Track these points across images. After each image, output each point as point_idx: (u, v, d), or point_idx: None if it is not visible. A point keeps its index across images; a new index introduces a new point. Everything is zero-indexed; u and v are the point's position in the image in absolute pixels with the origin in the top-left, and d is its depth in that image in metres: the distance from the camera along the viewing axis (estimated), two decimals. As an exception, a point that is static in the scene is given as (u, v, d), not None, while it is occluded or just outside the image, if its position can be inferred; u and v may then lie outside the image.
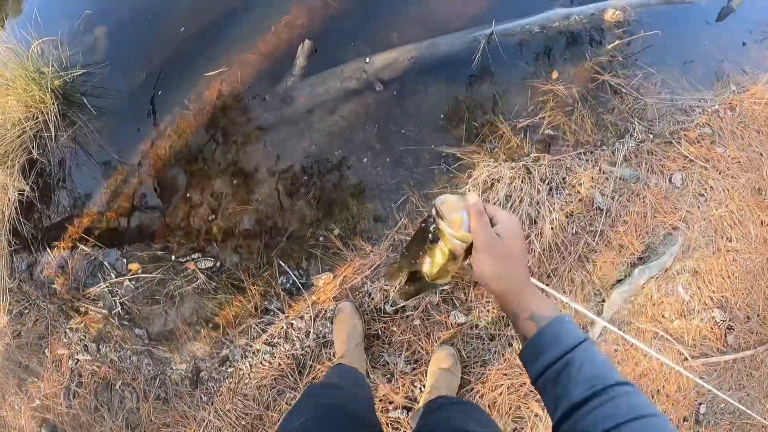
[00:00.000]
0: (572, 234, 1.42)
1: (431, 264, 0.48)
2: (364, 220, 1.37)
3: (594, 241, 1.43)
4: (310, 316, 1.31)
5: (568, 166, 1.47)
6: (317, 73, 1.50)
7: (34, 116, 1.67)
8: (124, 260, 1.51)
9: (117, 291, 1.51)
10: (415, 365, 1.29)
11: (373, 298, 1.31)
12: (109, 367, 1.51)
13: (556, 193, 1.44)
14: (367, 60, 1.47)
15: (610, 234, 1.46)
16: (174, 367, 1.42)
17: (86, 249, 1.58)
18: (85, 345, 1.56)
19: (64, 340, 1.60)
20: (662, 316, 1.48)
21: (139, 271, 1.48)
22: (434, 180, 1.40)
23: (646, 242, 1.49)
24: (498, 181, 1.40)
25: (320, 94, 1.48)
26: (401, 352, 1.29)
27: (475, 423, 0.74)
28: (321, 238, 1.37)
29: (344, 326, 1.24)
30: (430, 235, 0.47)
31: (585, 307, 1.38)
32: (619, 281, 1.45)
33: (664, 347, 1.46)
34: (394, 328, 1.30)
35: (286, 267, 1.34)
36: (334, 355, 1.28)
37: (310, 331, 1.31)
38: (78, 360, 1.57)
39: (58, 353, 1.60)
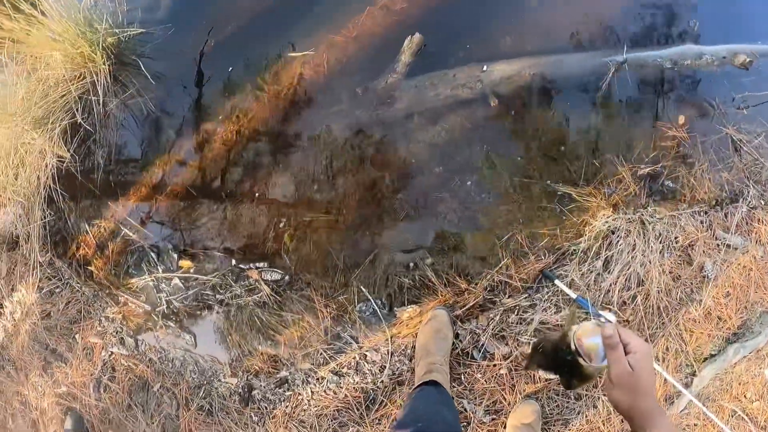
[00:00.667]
0: (677, 300, 1.25)
1: (564, 379, 0.52)
2: (462, 253, 1.17)
3: (696, 310, 1.26)
4: (388, 351, 1.14)
5: (683, 225, 1.28)
6: (424, 73, 1.24)
7: (81, 76, 1.40)
8: (174, 255, 1.30)
9: (163, 288, 1.30)
10: (494, 416, 1.14)
11: (461, 341, 1.13)
12: (148, 367, 1.34)
13: (667, 254, 1.26)
14: (485, 68, 1.22)
15: (711, 305, 1.29)
16: (223, 380, 1.25)
17: (130, 234, 1.36)
18: (122, 338, 1.37)
19: (98, 329, 1.41)
20: (744, 396, 1.35)
21: (191, 270, 1.27)
22: (543, 221, 1.19)
23: (744, 318, 1.33)
24: (613, 233, 1.20)
25: (425, 100, 1.23)
26: (482, 401, 1.14)
27: None
28: (411, 266, 1.17)
29: (438, 334, 1.10)
30: (566, 356, 0.50)
31: (675, 378, 1.23)
32: (712, 356, 1.30)
33: (737, 426, 1.34)
34: (478, 375, 1.14)
35: (367, 293, 1.14)
36: (412, 369, 1.11)
37: (385, 366, 1.14)
38: (112, 353, 1.39)
39: (90, 342, 1.42)
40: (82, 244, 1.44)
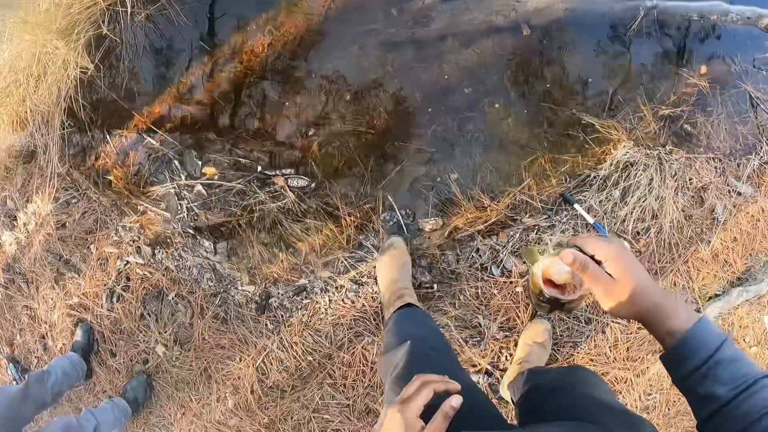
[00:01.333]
0: (687, 238, 1.25)
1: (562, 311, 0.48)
2: (487, 170, 1.15)
3: (704, 250, 1.26)
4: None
5: (698, 168, 1.28)
6: None
7: None
8: (199, 162, 1.26)
9: (185, 195, 1.26)
10: (507, 333, 1.13)
11: (480, 256, 1.11)
12: (163, 275, 1.29)
13: (681, 193, 1.25)
14: None
15: (719, 247, 1.29)
16: (240, 288, 1.22)
17: (154, 142, 1.31)
18: (138, 247, 1.32)
19: (114, 238, 1.35)
20: (743, 340, 1.36)
21: (216, 177, 1.23)
22: (567, 147, 1.18)
23: (748, 264, 1.34)
24: (632, 166, 1.19)
25: (460, 23, 1.20)
26: (497, 317, 1.12)
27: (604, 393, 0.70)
28: (436, 179, 1.14)
29: (399, 261, 1.07)
30: (546, 298, 0.46)
31: None
32: (716, 296, 1.31)
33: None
34: (495, 291, 1.12)
35: (392, 201, 1.11)
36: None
37: (404, 277, 1.11)
38: (128, 262, 1.34)
39: (106, 251, 1.36)
40: (102, 154, 1.38)
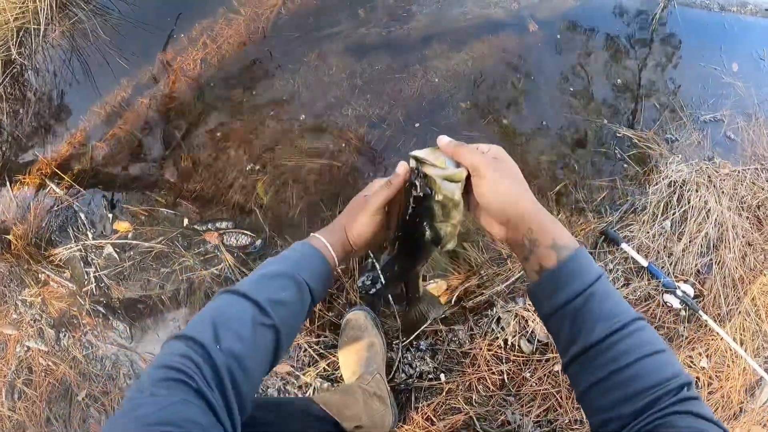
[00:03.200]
0: (749, 269, 0.79)
1: (434, 226, 0.35)
2: None
3: (773, 282, 0.80)
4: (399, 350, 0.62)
5: (749, 182, 0.83)
6: None
7: (23, 2, 0.84)
8: (110, 215, 0.75)
9: (93, 260, 0.76)
10: (546, 428, 0.63)
11: (502, 328, 0.63)
12: (71, 368, 0.80)
13: (736, 215, 0.80)
14: None
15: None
16: None
17: (57, 190, 0.82)
18: (41, 329, 0.81)
19: (14, 316, 0.86)
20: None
21: (129, 235, 0.74)
22: (601, 170, 0.72)
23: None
24: (682, 186, 0.74)
25: (449, 19, 0.75)
26: (530, 409, 0.64)
27: None
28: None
29: (361, 345, 0.64)
30: (419, 191, 0.34)
31: (756, 362, 0.77)
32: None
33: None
34: (527, 374, 0.66)
35: (373, 259, 0.63)
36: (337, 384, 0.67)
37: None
38: (29, 348, 0.81)
39: (4, 333, 0.84)
40: (1, 205, 0.87)
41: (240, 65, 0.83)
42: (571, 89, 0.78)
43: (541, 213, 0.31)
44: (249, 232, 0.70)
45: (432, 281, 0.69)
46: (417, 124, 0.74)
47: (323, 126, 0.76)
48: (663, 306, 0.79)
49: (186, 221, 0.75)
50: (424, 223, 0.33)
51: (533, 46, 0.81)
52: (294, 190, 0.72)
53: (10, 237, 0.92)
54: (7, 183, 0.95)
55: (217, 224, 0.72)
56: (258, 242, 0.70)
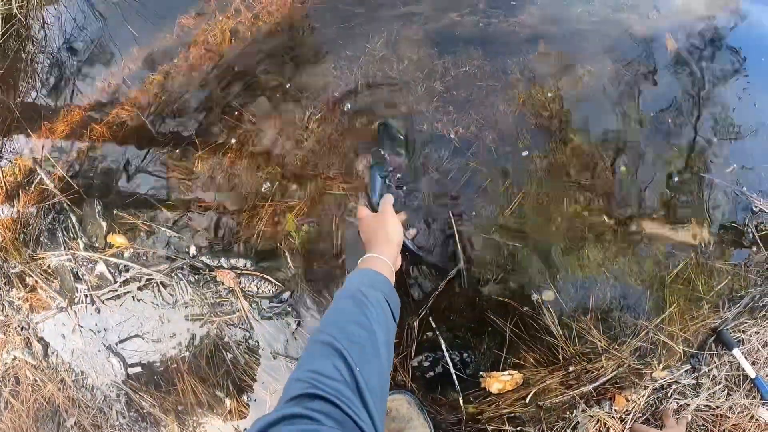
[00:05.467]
0: None
1: None
2: (607, 288, 0.44)
3: None
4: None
5: None
6: None
7: None
8: (104, 224, 0.52)
9: (84, 276, 0.55)
10: None
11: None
12: (59, 390, 0.61)
13: None
14: None
15: None
16: None
17: (47, 181, 0.59)
18: (27, 338, 0.61)
19: (1, 317, 0.65)
20: None
21: (125, 254, 0.51)
22: (725, 252, 0.48)
23: None
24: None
25: (569, 18, 0.48)
26: None
27: None
28: (516, 298, 0.43)
29: (398, 427, 0.45)
30: None
31: None
32: None
33: None
34: None
35: (438, 335, 0.41)
36: None
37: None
38: (15, 357, 0.63)
39: (-11, 334, 0.65)
40: (-10, 190, 0.65)
41: (279, 44, 0.56)
42: (709, 136, 0.49)
43: None
44: (274, 280, 0.46)
45: (506, 372, 0.48)
46: (509, 164, 0.47)
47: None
48: (755, 420, 0.57)
49: (193, 250, 0.51)
50: None
51: (669, 70, 0.51)
52: (335, 226, 0.47)
53: (1, 231, 0.71)
54: None
55: (233, 261, 0.48)
56: (285, 295, 0.46)
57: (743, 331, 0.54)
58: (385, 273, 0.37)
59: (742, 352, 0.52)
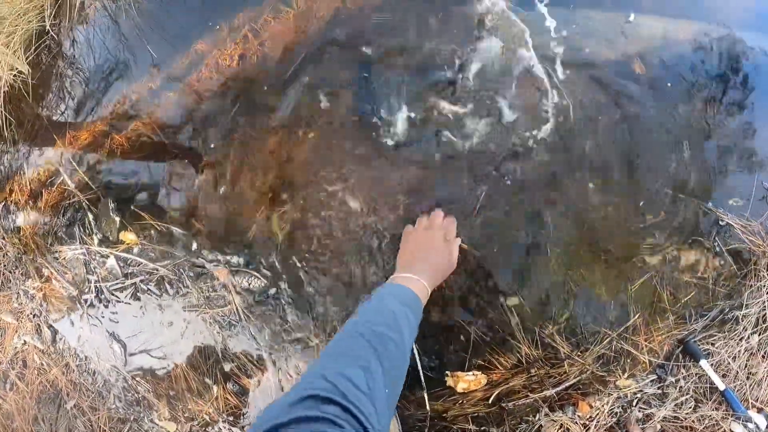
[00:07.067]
0: None
1: None
2: (569, 294, 0.49)
3: None
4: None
5: None
6: None
7: None
8: (117, 220, 0.60)
9: (95, 268, 0.62)
10: None
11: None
12: (63, 374, 0.67)
13: None
14: (630, 18, 0.53)
15: None
16: (156, 422, 0.56)
17: (69, 182, 0.66)
18: (38, 326, 0.68)
19: (15, 305, 0.75)
20: None
21: (135, 250, 0.58)
22: (692, 265, 0.53)
23: None
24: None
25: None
26: None
27: None
28: (484, 303, 0.48)
29: None
30: None
31: None
32: None
33: None
34: None
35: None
36: None
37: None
38: (25, 342, 0.69)
39: (3, 320, 0.72)
40: (17, 187, 0.73)
41: (281, 72, 0.65)
42: (674, 160, 0.53)
43: None
44: (262, 277, 0.53)
45: (471, 372, 0.52)
46: (478, 172, 0.51)
47: (382, 163, 0.57)
48: (727, 433, 0.59)
49: (195, 245, 0.58)
50: None
51: (638, 96, 0.55)
52: (322, 232, 0.53)
53: (21, 223, 0.80)
54: (24, 164, 0.81)
55: (229, 258, 0.55)
56: (271, 291, 0.52)
57: (712, 344, 0.56)
58: (420, 297, 0.37)
59: (711, 365, 0.54)
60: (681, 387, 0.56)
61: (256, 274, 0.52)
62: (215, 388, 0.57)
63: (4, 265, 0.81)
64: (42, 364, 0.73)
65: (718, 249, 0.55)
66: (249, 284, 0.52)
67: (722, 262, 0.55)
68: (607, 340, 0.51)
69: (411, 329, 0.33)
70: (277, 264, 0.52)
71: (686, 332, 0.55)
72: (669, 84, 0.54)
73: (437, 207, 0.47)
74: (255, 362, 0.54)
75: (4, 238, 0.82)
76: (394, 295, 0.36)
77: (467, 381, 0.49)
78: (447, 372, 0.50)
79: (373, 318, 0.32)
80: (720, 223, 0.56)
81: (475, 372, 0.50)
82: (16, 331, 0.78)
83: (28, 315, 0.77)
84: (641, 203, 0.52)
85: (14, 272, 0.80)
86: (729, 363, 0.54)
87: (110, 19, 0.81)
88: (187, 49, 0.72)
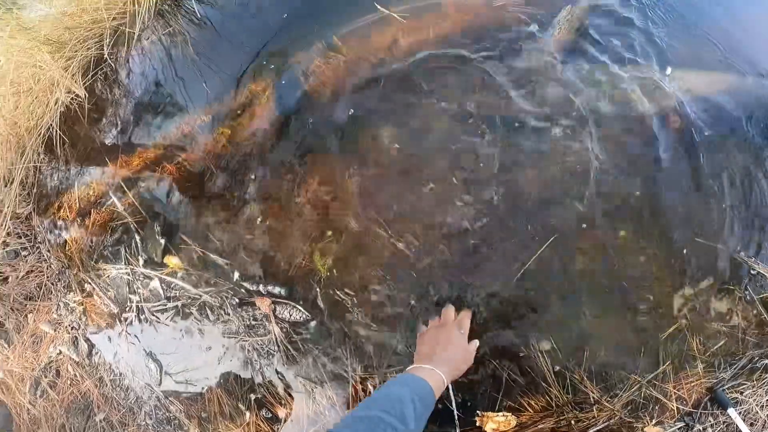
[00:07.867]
0: None
1: None
2: (600, 342, 0.51)
3: None
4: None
5: None
6: (575, 59, 0.59)
7: (124, 3, 0.76)
8: (161, 242, 0.64)
9: (138, 288, 0.66)
10: None
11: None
12: (96, 387, 0.70)
13: None
14: (668, 71, 0.57)
15: None
16: None
17: (119, 204, 0.72)
18: (75, 338, 0.71)
19: (54, 316, 0.79)
20: None
21: (179, 274, 0.62)
22: (722, 313, 0.52)
23: None
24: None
25: (590, 92, 0.58)
26: None
27: None
28: (515, 345, 0.51)
29: None
30: None
31: None
32: None
33: None
34: None
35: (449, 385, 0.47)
36: None
37: None
38: (61, 352, 0.73)
39: (41, 329, 0.76)
40: (65, 204, 0.79)
41: (331, 113, 0.69)
42: (715, 206, 0.56)
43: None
44: (304, 310, 0.56)
45: (501, 413, 0.54)
46: (527, 224, 0.54)
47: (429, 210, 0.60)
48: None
49: (237, 275, 0.62)
50: None
51: (672, 144, 0.56)
52: (365, 272, 0.56)
53: (67, 237, 0.85)
54: (75, 183, 0.87)
55: (271, 288, 0.58)
56: (312, 324, 0.55)
57: (740, 392, 0.57)
58: (434, 389, 0.38)
59: (739, 413, 0.55)
60: (706, 436, 0.56)
61: (297, 306, 0.56)
62: (248, 414, 0.59)
63: (47, 276, 0.86)
64: (75, 375, 0.76)
65: (749, 298, 0.56)
66: (290, 315, 0.56)
67: (754, 312, 0.57)
68: (637, 386, 0.53)
69: (418, 420, 0.34)
70: (318, 297, 0.56)
71: (715, 380, 0.56)
72: (707, 133, 0.56)
73: (448, 302, 0.48)
74: (290, 392, 0.57)
75: (49, 251, 0.88)
76: (404, 384, 0.37)
77: (497, 422, 0.51)
78: (478, 411, 0.52)
79: (378, 404, 0.34)
80: (752, 272, 0.58)
81: (506, 413, 0.52)
82: (53, 341, 0.81)
83: (66, 326, 0.80)
84: (675, 252, 0.53)
85: (56, 284, 0.85)
86: (757, 412, 0.55)
87: (165, 52, 0.89)
88: (238, 87, 0.79)
